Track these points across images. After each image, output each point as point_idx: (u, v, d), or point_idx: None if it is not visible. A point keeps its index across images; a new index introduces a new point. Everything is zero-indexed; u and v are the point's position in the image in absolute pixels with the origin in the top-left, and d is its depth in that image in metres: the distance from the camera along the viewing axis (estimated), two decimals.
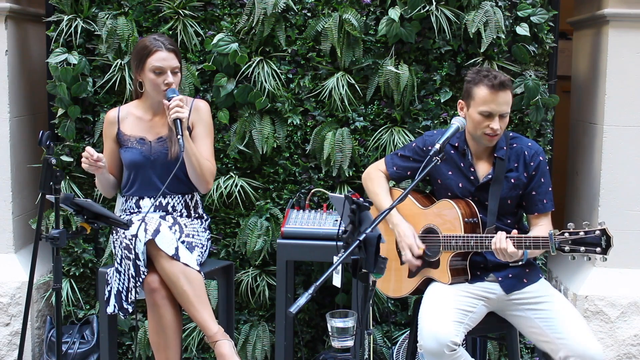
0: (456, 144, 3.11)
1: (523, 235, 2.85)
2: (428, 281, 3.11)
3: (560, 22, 3.92)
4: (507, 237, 2.82)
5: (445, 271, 3.01)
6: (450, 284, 3.01)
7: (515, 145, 3.10)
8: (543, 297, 3.00)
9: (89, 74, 3.85)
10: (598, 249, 2.69)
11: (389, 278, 3.23)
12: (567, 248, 2.72)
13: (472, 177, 3.09)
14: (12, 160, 3.99)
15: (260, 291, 3.91)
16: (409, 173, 3.24)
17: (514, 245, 2.81)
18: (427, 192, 3.31)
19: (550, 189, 3.09)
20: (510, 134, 3.14)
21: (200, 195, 3.47)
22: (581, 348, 2.85)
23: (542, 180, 3.07)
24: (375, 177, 3.29)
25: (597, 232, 2.69)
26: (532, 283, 3.04)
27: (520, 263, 2.93)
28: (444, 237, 3.01)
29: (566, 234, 2.73)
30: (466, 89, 3.04)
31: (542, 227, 3.04)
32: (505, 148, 3.07)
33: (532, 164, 3.06)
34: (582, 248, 2.70)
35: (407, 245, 3.05)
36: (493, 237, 2.90)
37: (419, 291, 3.14)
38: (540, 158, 3.08)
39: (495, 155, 3.06)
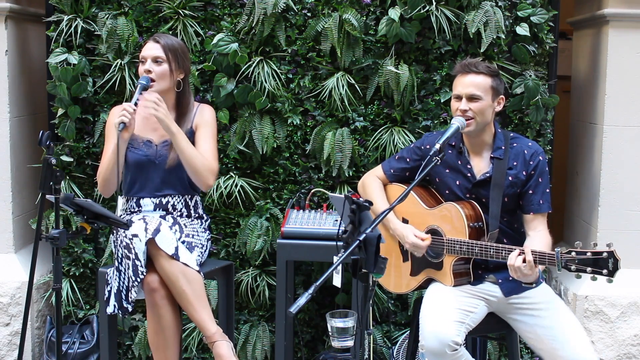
0: (452, 143, 3.12)
1: (531, 250, 2.79)
2: (430, 279, 3.11)
3: (560, 22, 3.92)
4: (518, 255, 2.79)
5: (448, 274, 3.01)
6: (453, 286, 3.01)
7: (515, 145, 3.09)
8: (542, 303, 2.98)
9: (89, 74, 3.86)
10: (605, 271, 2.65)
11: (390, 273, 3.23)
12: (573, 267, 2.69)
13: (468, 174, 3.08)
14: (12, 160, 3.99)
15: (260, 291, 3.91)
16: (407, 174, 3.23)
17: (524, 260, 2.77)
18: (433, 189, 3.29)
19: (547, 190, 3.07)
20: (511, 134, 3.13)
21: (200, 196, 3.48)
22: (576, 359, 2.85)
23: (540, 180, 3.05)
24: (369, 183, 3.28)
25: (605, 254, 2.65)
26: (534, 287, 3.02)
27: (534, 286, 2.91)
28: (448, 240, 3.00)
29: (573, 253, 2.69)
30: None
31: (539, 233, 3.02)
32: (503, 148, 3.07)
33: (531, 162, 3.05)
34: (589, 269, 2.66)
35: (411, 245, 3.04)
36: (498, 247, 2.88)
37: (421, 287, 3.16)
38: (540, 158, 3.07)
39: (492, 155, 3.07)
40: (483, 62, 3.08)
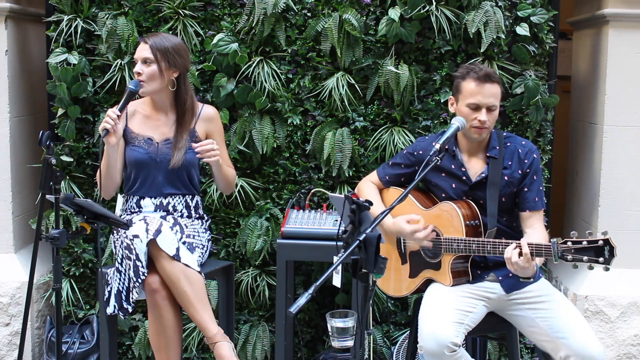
0: (446, 147, 3.10)
1: (528, 243, 2.81)
2: (429, 281, 3.11)
3: (560, 22, 3.92)
4: (514, 248, 2.80)
5: (446, 273, 3.01)
6: (452, 285, 3.01)
7: (509, 144, 3.11)
8: (543, 296, 3.00)
9: (89, 74, 3.86)
10: (601, 259, 2.66)
11: (389, 277, 3.23)
12: (569, 257, 2.70)
13: (464, 177, 3.09)
14: (12, 160, 3.99)
15: (260, 291, 3.91)
16: (402, 180, 3.25)
17: (519, 254, 2.78)
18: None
19: (541, 187, 3.10)
20: (504, 134, 3.15)
21: (200, 196, 3.48)
22: (582, 347, 2.84)
23: (535, 177, 3.08)
24: (363, 188, 3.30)
25: (601, 242, 2.66)
26: (532, 282, 3.03)
27: (532, 281, 2.92)
28: (446, 239, 3.01)
29: (569, 243, 2.71)
30: (455, 84, 3.10)
31: (535, 230, 3.03)
32: (498, 147, 3.08)
33: (526, 161, 3.08)
34: (585, 257, 2.68)
35: (411, 232, 3.03)
36: (495, 242, 2.90)
37: (420, 290, 3.15)
38: (534, 155, 3.09)
39: (488, 155, 3.07)
40: (492, 70, 3.09)
